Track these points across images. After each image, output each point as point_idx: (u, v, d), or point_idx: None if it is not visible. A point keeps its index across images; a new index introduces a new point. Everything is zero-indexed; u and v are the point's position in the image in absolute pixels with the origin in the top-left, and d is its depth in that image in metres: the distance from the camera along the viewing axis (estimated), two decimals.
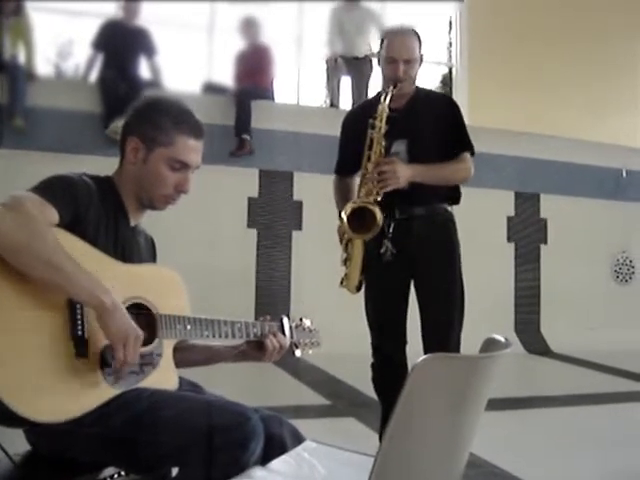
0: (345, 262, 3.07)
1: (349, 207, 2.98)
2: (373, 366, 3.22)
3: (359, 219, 2.96)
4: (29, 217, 1.59)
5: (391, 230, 3.06)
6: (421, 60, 3.12)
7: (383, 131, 2.99)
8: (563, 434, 4.19)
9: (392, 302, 3.15)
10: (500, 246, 7.89)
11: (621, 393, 5.53)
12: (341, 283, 3.09)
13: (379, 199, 2.96)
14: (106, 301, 1.61)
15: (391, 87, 3.03)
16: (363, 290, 3.15)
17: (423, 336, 3.08)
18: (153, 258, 2.09)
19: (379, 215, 2.93)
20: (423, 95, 3.20)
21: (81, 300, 1.62)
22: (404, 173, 2.94)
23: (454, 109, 3.19)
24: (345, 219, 2.96)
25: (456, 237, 3.18)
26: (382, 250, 3.06)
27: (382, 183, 2.93)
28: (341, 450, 1.84)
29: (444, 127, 3.10)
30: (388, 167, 2.93)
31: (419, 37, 3.12)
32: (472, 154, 3.16)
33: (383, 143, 3.00)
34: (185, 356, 1.98)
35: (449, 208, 3.21)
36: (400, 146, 3.08)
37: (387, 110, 2.99)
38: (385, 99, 3.00)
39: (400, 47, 3.05)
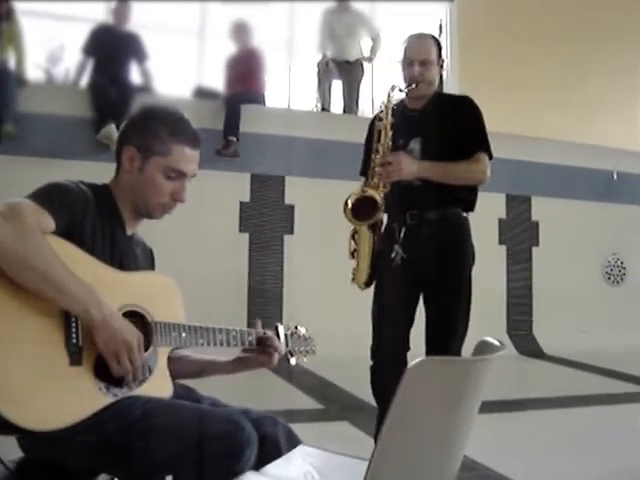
0: (352, 254, 3.10)
1: (353, 196, 3.02)
2: (372, 369, 3.19)
3: (364, 208, 3.01)
4: (26, 228, 1.59)
5: (402, 235, 3.08)
6: (441, 66, 3.19)
7: (389, 123, 3.04)
8: (557, 436, 4.20)
9: (398, 306, 3.13)
10: (492, 249, 7.90)
11: (614, 394, 5.54)
12: (352, 279, 3.12)
13: (386, 191, 3.01)
14: (95, 316, 1.62)
15: (405, 88, 3.09)
16: (362, 292, 3.16)
17: (426, 343, 3.10)
18: (151, 269, 2.08)
19: (380, 200, 2.98)
20: (443, 97, 3.27)
21: (73, 313, 1.64)
22: (408, 166, 2.98)
23: (472, 110, 3.18)
24: (350, 206, 3.00)
25: (466, 244, 3.16)
26: (392, 255, 3.08)
27: (386, 174, 2.98)
28: (335, 454, 1.84)
29: (460, 127, 3.10)
30: (392, 158, 2.98)
31: (438, 42, 3.21)
32: (490, 157, 3.14)
33: (390, 135, 3.05)
34: (179, 366, 1.97)
35: (463, 213, 3.18)
36: (415, 144, 3.12)
37: (392, 103, 3.06)
38: (392, 92, 3.07)
39: (416, 49, 3.14)
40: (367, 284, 3.13)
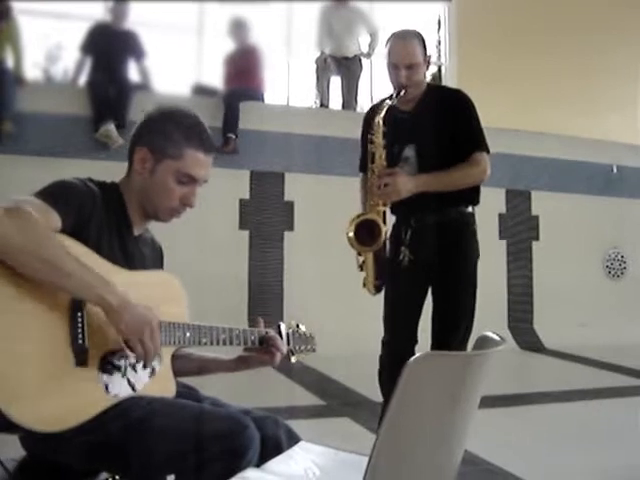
0: (361, 267, 3.11)
1: (353, 223, 3.01)
2: (381, 359, 3.22)
3: (367, 230, 3.01)
4: (30, 220, 1.58)
5: (408, 237, 3.10)
6: (428, 63, 3.11)
7: (381, 144, 3.02)
8: (557, 430, 4.20)
9: (408, 304, 3.18)
10: (492, 243, 7.88)
11: (614, 388, 5.54)
12: (363, 285, 3.13)
13: (385, 210, 3.02)
14: (112, 301, 1.61)
15: (394, 95, 3.04)
16: (362, 288, 3.17)
17: (432, 337, 3.12)
18: (160, 267, 2.07)
19: (382, 226, 2.99)
20: (433, 95, 3.15)
21: (88, 301, 1.63)
22: (405, 185, 2.96)
23: (464, 106, 3.11)
24: (352, 235, 3.00)
25: (471, 242, 3.17)
26: (400, 257, 3.11)
27: (384, 196, 2.98)
28: (336, 450, 1.84)
29: (454, 127, 3.05)
30: (389, 179, 2.95)
31: (422, 40, 3.10)
32: (487, 152, 3.10)
33: (383, 156, 3.03)
34: (181, 364, 1.97)
35: (468, 210, 3.18)
36: (410, 151, 3.10)
37: (382, 125, 3.02)
38: (381, 112, 3.02)
39: (401, 52, 3.03)
40: (378, 289, 3.15)
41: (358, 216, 3.05)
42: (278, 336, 2.05)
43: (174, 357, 1.89)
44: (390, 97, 3.08)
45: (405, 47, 3.04)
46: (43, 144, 6.25)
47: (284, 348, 2.06)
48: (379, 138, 3.03)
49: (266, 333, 2.04)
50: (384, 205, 3.01)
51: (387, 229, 3.07)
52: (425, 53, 3.08)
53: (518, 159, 7.98)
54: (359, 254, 3.11)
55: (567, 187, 8.25)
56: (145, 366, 1.74)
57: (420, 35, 3.12)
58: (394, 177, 2.96)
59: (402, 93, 3.02)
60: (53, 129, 6.33)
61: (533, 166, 8.11)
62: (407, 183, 2.96)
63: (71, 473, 1.76)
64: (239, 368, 2.08)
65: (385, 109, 3.02)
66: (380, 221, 3.00)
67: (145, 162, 1.87)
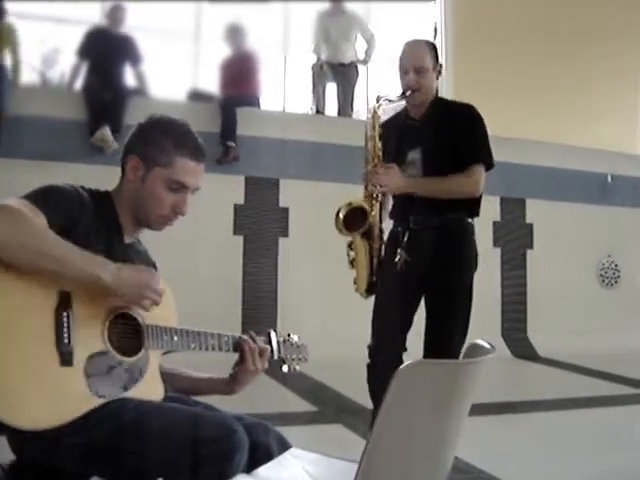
0: (352, 263, 3.11)
1: (344, 209, 3.04)
2: (369, 367, 3.20)
3: (354, 218, 3.04)
4: (16, 214, 1.60)
5: (405, 239, 3.10)
6: (439, 72, 3.17)
7: (377, 134, 3.07)
8: (550, 438, 4.20)
9: (399, 308, 3.15)
10: (486, 251, 7.83)
11: (608, 397, 5.54)
12: (355, 289, 3.15)
13: (380, 199, 3.06)
14: (106, 278, 1.65)
15: (399, 94, 3.11)
16: (356, 294, 3.17)
17: (424, 348, 3.11)
18: None
19: (368, 208, 3.03)
20: (443, 105, 3.24)
21: (80, 282, 1.65)
22: (396, 181, 3.01)
23: (473, 120, 3.18)
24: (342, 218, 3.03)
25: (469, 250, 3.17)
26: (396, 259, 3.10)
27: (374, 185, 3.02)
28: (328, 457, 1.84)
29: (459, 138, 3.11)
30: (382, 170, 3.01)
31: (434, 48, 3.20)
32: (488, 167, 3.17)
33: (379, 145, 3.07)
34: (171, 383, 1.96)
35: (467, 219, 3.19)
36: (415, 155, 3.14)
37: (379, 115, 3.09)
38: (377, 105, 3.09)
39: (410, 57, 3.13)
40: (368, 292, 3.14)
41: (348, 203, 3.07)
42: (249, 339, 2.00)
43: (164, 374, 1.89)
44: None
45: (414, 51, 3.15)
46: (39, 148, 6.23)
47: (265, 346, 2.01)
48: (376, 126, 3.09)
49: (239, 338, 1.99)
50: (377, 195, 3.04)
51: (383, 226, 3.11)
52: (436, 61, 3.16)
53: (513, 167, 7.97)
54: (350, 247, 3.12)
55: (562, 195, 8.25)
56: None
57: (431, 44, 3.24)
58: (387, 170, 3.02)
59: (408, 94, 3.09)
60: (49, 133, 6.31)
61: (528, 174, 8.11)
62: (399, 180, 3.02)
63: (61, 476, 1.76)
64: (234, 389, 2.04)
65: (382, 99, 3.10)
66: (367, 208, 3.03)
67: (136, 170, 1.89)
